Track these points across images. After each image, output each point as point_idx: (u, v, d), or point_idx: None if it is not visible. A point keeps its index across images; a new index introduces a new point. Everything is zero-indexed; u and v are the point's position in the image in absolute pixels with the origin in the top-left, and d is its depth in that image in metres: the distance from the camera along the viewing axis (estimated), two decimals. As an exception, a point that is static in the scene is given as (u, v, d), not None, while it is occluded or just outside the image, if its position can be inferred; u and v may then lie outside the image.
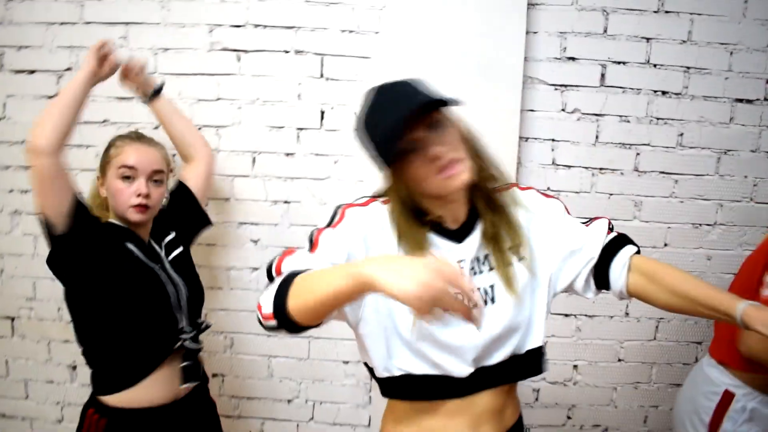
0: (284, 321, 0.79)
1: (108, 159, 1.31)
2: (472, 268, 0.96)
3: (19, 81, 1.73)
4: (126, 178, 1.28)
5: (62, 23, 1.69)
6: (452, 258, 0.93)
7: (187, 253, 1.45)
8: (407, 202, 0.94)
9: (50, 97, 1.71)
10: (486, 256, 0.97)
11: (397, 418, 1.02)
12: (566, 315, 1.76)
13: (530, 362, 1.01)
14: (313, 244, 0.91)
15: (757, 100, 1.69)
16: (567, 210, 1.07)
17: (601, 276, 1.02)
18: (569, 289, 1.05)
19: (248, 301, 1.77)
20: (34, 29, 1.70)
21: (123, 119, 1.72)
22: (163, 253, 1.37)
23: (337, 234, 0.92)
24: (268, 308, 0.80)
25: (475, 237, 0.97)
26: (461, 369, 0.94)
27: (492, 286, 0.96)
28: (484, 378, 0.96)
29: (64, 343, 1.82)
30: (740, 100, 1.69)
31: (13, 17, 1.70)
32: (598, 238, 1.02)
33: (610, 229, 1.05)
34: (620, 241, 1.03)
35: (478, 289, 0.94)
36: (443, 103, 0.88)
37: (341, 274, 0.73)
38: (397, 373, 0.95)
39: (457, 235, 0.97)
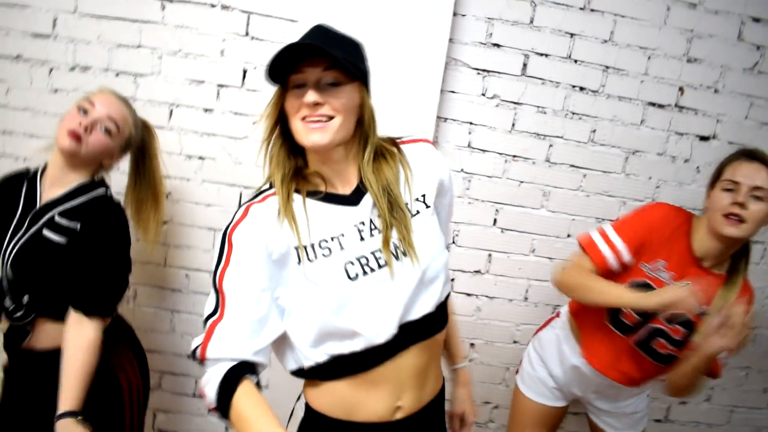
0: (226, 416, 0.89)
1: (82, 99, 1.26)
2: (370, 227, 0.96)
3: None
4: (81, 109, 1.23)
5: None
6: (352, 221, 0.95)
7: (55, 247, 1.27)
8: (282, 152, 0.96)
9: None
10: (379, 216, 0.96)
11: (323, 394, 1.00)
12: (468, 294, 1.83)
13: (443, 313, 1.03)
14: (220, 301, 0.91)
15: (669, 105, 1.76)
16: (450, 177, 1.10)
17: None
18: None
19: (155, 254, 1.76)
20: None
21: (37, 56, 1.66)
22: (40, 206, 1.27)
23: (235, 269, 0.91)
24: (211, 403, 0.90)
25: (369, 200, 0.96)
26: (386, 331, 0.93)
27: (401, 240, 0.96)
28: (407, 335, 0.96)
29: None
30: (653, 104, 1.76)
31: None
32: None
33: None
34: None
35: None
36: (346, 61, 0.89)
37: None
38: (324, 359, 0.95)
39: (352, 200, 0.97)
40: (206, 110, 1.69)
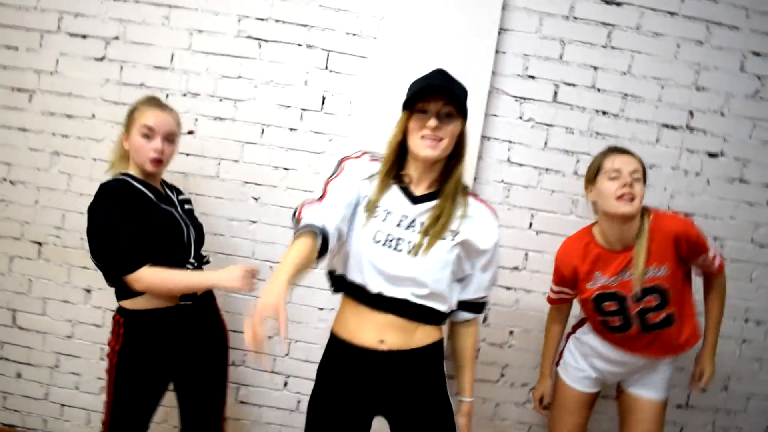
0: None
1: (132, 119, 1.61)
2: (410, 223, 1.31)
3: (73, 43, 2.06)
4: (146, 136, 1.59)
5: None
6: (403, 211, 1.31)
7: (193, 212, 1.79)
8: (396, 150, 1.31)
9: (97, 59, 2.05)
10: (422, 223, 1.31)
11: (339, 318, 1.43)
12: (508, 288, 2.11)
13: (425, 314, 1.34)
14: (323, 194, 1.30)
15: (680, 127, 2.06)
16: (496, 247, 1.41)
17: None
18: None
19: (244, 248, 2.10)
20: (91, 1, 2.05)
21: (157, 85, 2.05)
22: (177, 201, 1.70)
23: (340, 182, 1.32)
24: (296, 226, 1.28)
25: (426, 206, 1.31)
26: (373, 286, 1.31)
27: (409, 242, 1.29)
28: (383, 302, 1.31)
29: (83, 269, 2.13)
30: (666, 126, 2.06)
31: (75, -9, 2.04)
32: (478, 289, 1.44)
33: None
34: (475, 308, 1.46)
35: (396, 238, 1.32)
36: (460, 101, 1.26)
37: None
38: (339, 272, 1.39)
39: (415, 199, 1.32)
40: (291, 129, 2.05)
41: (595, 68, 2.03)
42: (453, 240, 1.31)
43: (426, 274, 1.30)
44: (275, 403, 2.18)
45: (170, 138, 1.63)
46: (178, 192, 1.77)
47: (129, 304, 1.57)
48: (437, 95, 1.25)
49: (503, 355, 2.15)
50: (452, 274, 1.35)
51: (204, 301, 1.69)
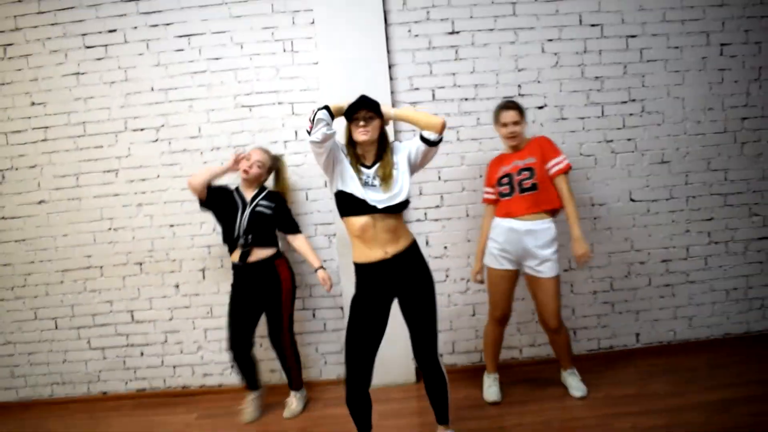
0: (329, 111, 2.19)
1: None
2: (374, 176, 2.34)
3: (136, 135, 3.32)
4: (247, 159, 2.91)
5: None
6: (367, 172, 2.35)
7: (264, 216, 2.94)
8: (350, 142, 2.40)
9: (153, 141, 3.31)
10: (378, 175, 2.37)
11: (355, 253, 2.31)
12: (436, 220, 3.30)
13: (401, 206, 2.27)
14: (321, 110, 2.19)
15: (515, 95, 3.28)
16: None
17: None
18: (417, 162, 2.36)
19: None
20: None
21: (192, 148, 3.31)
22: (249, 202, 2.92)
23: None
24: (320, 115, 2.17)
25: (375, 167, 2.38)
26: (373, 201, 2.21)
27: (377, 183, 2.34)
28: (378, 210, 2.21)
29: (170, 273, 3.35)
30: (504, 98, 3.28)
31: None
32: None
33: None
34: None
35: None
36: (375, 107, 2.25)
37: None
38: (346, 190, 2.26)
39: (369, 166, 2.40)
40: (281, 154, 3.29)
41: (453, 74, 3.27)
42: (398, 169, 2.36)
43: (396, 192, 2.26)
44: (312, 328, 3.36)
45: (258, 164, 2.94)
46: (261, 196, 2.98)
47: (230, 259, 2.96)
48: (362, 108, 2.34)
49: (443, 263, 3.33)
50: (410, 176, 2.33)
51: (263, 262, 2.92)
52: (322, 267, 2.93)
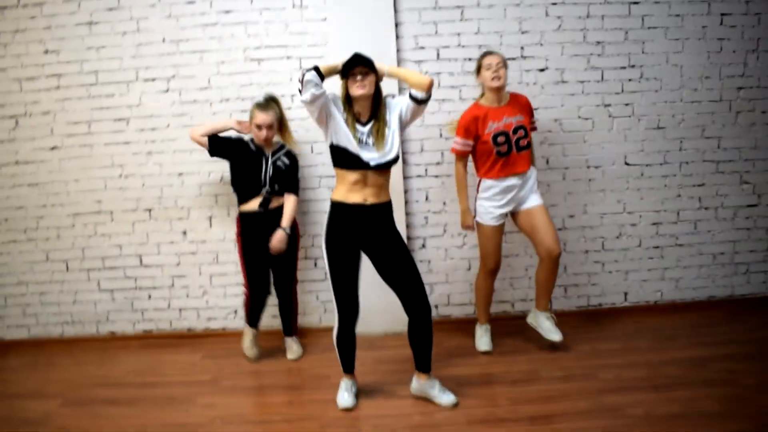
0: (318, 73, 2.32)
1: (251, 117, 2.99)
2: (368, 135, 2.49)
3: (147, 85, 3.41)
4: (258, 126, 2.97)
5: (169, 55, 3.41)
6: (362, 130, 2.48)
7: (281, 170, 3.07)
8: (345, 98, 2.53)
9: (164, 91, 3.40)
10: (372, 132, 2.53)
11: (337, 190, 2.49)
12: (436, 176, 3.41)
13: (391, 163, 2.54)
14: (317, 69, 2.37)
15: (518, 57, 3.37)
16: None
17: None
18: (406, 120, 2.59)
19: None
20: None
21: (203, 99, 3.41)
22: (270, 156, 3.06)
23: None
24: (309, 76, 2.30)
25: (370, 125, 2.52)
26: (366, 159, 2.44)
27: (371, 141, 2.50)
28: (370, 167, 2.47)
29: (179, 220, 3.47)
30: (510, 59, 3.36)
31: None
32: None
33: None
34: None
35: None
36: (370, 63, 2.44)
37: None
38: (341, 145, 2.42)
39: (364, 124, 2.54)
40: (287, 108, 3.38)
41: (458, 34, 3.35)
42: (389, 128, 2.52)
43: (388, 150, 2.47)
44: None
45: (270, 127, 2.99)
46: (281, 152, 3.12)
47: (241, 208, 3.09)
48: (358, 64, 2.46)
49: (442, 218, 3.46)
50: (400, 134, 2.50)
51: (281, 209, 3.07)
52: (284, 230, 3.01)
